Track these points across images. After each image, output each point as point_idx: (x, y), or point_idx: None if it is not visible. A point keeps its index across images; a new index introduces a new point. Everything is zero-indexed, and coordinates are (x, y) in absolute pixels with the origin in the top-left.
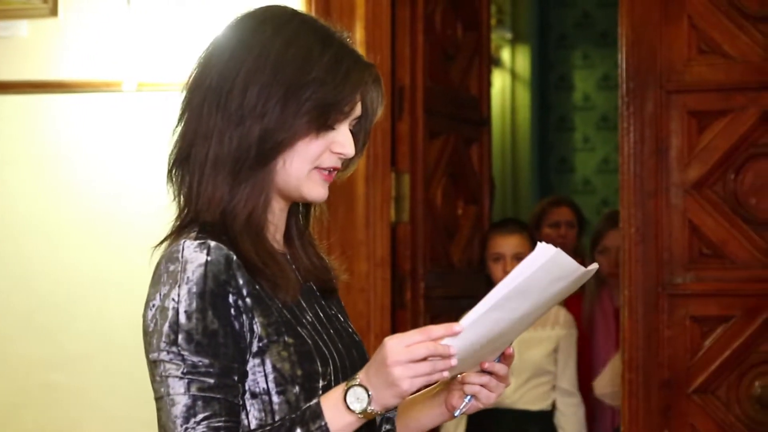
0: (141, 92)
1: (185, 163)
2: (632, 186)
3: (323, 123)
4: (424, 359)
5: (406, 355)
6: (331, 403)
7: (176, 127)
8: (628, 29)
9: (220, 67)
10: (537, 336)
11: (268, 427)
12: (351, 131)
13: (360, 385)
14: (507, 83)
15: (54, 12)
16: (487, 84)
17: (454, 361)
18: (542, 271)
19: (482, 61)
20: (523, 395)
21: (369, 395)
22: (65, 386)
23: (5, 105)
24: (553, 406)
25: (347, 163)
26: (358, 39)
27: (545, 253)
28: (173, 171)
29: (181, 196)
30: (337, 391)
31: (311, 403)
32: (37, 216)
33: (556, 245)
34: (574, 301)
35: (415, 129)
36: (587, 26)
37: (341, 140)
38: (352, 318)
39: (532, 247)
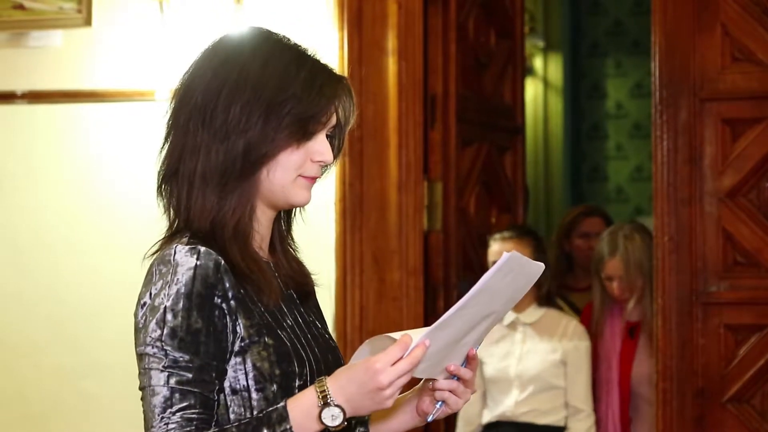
0: None
1: (174, 178)
2: (666, 194)
3: (303, 134)
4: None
5: (395, 374)
6: (300, 411)
7: (163, 144)
8: (661, 37)
9: (203, 87)
10: (540, 347)
11: (236, 424)
12: (327, 137)
13: (337, 405)
14: (539, 91)
15: (88, 22)
16: (522, 92)
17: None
18: (500, 273)
19: (516, 69)
20: (528, 409)
21: (344, 413)
22: (95, 394)
23: (40, 114)
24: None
25: (325, 168)
26: (389, 47)
27: (501, 258)
28: (162, 186)
29: (171, 209)
30: (308, 401)
31: (278, 405)
32: (68, 225)
33: (586, 256)
34: (585, 313)
35: (447, 137)
36: (620, 34)
37: (320, 149)
38: (386, 326)
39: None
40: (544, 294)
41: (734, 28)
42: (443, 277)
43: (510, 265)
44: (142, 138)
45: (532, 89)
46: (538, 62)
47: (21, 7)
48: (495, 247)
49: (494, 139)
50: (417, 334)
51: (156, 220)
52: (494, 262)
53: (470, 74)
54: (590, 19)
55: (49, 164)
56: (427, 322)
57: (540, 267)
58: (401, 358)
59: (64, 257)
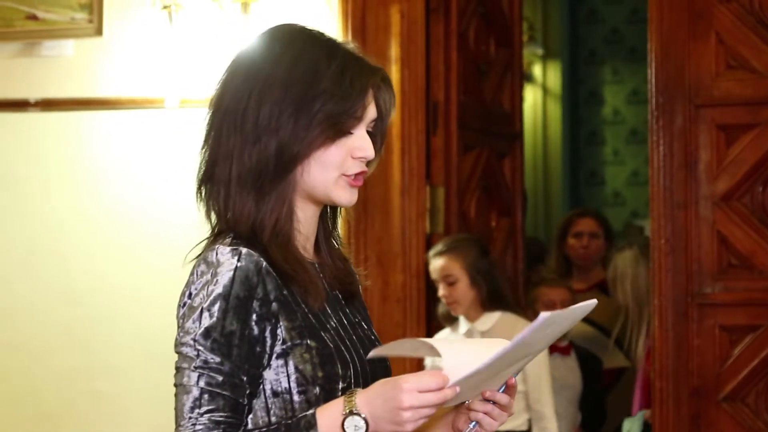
0: (183, 108)
1: (210, 183)
2: (662, 198)
3: (336, 131)
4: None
5: (420, 402)
6: (327, 420)
7: (201, 148)
8: (657, 45)
9: (234, 90)
10: None
11: (264, 429)
12: (369, 132)
13: (361, 416)
14: (538, 98)
15: (99, 32)
16: (520, 99)
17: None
18: (537, 331)
19: (515, 77)
20: None
21: (367, 426)
22: (106, 394)
23: (52, 122)
24: (530, 424)
25: (368, 163)
26: (393, 55)
27: (539, 319)
28: (200, 189)
29: (212, 212)
30: (335, 410)
31: (307, 413)
32: (80, 230)
33: (578, 255)
34: None
35: (449, 143)
36: (617, 42)
37: (360, 144)
38: (389, 327)
39: None
40: (486, 297)
41: (728, 36)
42: None
43: (546, 324)
44: (151, 144)
45: (531, 96)
46: (537, 69)
47: (34, 17)
48: (432, 264)
49: (494, 145)
50: (454, 357)
51: (166, 226)
52: (435, 280)
53: (471, 81)
54: (588, 27)
55: (61, 170)
56: (429, 324)
57: (587, 306)
58: (433, 390)
59: (76, 261)
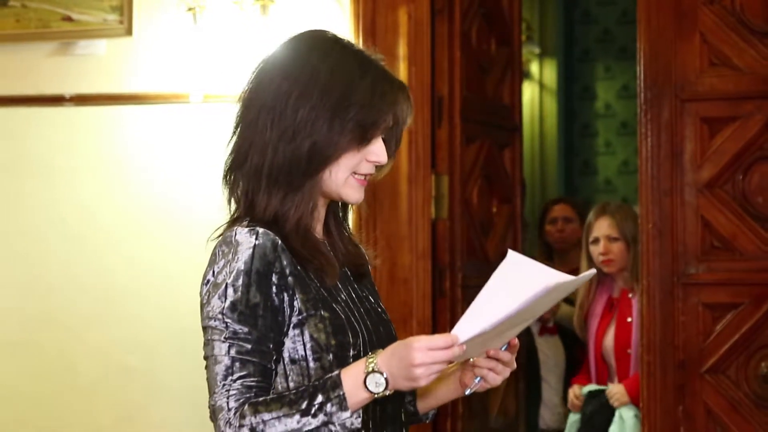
0: (207, 103)
1: (240, 171)
2: (650, 186)
3: (364, 139)
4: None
5: (430, 359)
6: (351, 379)
7: (231, 137)
8: (646, 44)
9: (273, 88)
10: None
11: (294, 391)
12: (383, 139)
13: (381, 373)
14: (536, 94)
15: (129, 32)
16: (519, 94)
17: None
18: (544, 293)
19: (514, 73)
20: None
21: (387, 382)
22: (138, 368)
23: (85, 115)
24: None
25: (380, 167)
26: (400, 54)
27: (549, 280)
28: (228, 176)
29: (234, 198)
30: (358, 370)
31: (332, 374)
32: (111, 216)
33: (555, 239)
34: None
35: (453, 135)
36: (608, 42)
37: (376, 150)
38: (397, 305)
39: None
40: None
41: (711, 36)
42: (449, 261)
43: (550, 290)
44: (177, 136)
45: (529, 91)
46: (534, 67)
47: (69, 18)
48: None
49: (495, 137)
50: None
51: (189, 211)
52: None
53: (473, 78)
54: (581, 27)
55: (94, 160)
56: (434, 302)
57: (587, 276)
58: (442, 348)
59: (106, 245)
